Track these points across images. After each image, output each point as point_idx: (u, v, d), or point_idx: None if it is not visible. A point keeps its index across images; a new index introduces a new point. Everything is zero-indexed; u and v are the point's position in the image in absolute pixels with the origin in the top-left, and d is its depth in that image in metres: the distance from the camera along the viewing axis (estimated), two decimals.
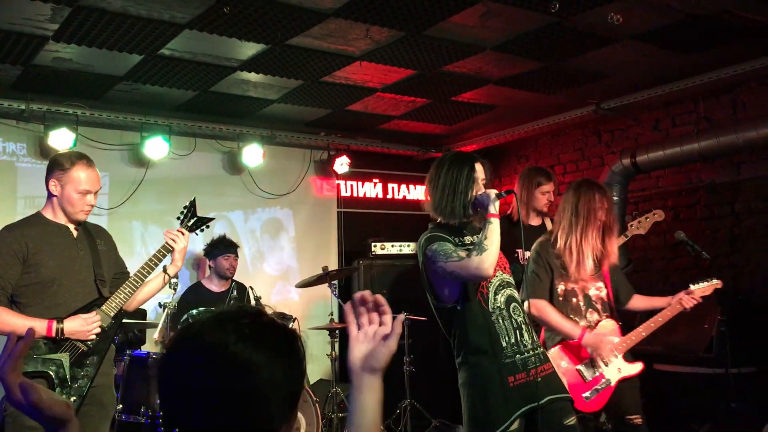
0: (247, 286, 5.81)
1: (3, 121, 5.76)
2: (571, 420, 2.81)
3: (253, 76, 5.31)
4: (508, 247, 4.20)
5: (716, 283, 3.86)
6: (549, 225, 4.46)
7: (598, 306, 3.68)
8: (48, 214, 3.21)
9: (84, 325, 3.06)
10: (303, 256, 7.05)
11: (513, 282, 2.98)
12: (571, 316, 3.61)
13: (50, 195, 3.20)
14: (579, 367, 3.60)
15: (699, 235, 5.60)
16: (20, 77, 5.21)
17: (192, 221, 3.49)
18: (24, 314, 2.99)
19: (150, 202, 6.34)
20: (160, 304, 5.27)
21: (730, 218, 5.69)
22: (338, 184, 7.39)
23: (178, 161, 6.43)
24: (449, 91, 5.85)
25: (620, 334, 3.68)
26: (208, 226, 3.57)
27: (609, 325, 3.67)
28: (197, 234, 3.55)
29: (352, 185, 7.51)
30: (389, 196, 7.75)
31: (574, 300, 3.65)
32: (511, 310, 2.85)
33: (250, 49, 4.75)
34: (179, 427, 1.19)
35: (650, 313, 3.82)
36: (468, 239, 2.93)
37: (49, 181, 3.18)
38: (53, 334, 2.99)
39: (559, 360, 3.58)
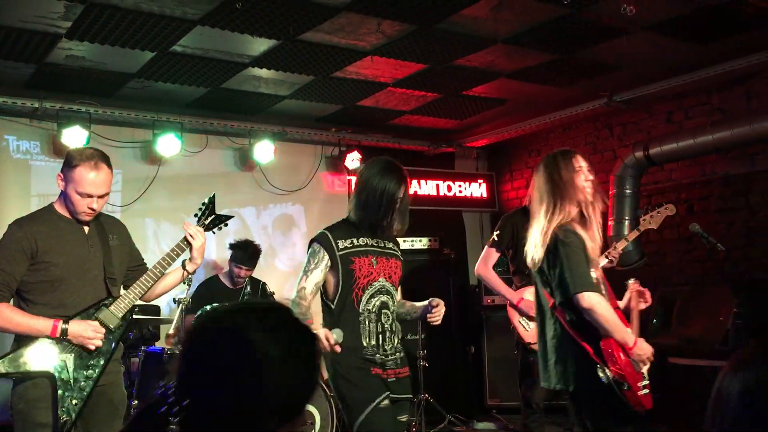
0: (261, 282, 5.81)
1: (16, 120, 5.79)
2: (404, 417, 3.21)
3: (264, 72, 5.32)
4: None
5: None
6: None
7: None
8: (59, 209, 3.09)
9: (89, 332, 2.96)
10: None
11: (393, 292, 3.22)
12: None
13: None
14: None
15: (713, 228, 5.55)
16: (33, 75, 5.24)
17: (209, 219, 3.37)
18: (30, 312, 2.93)
19: (162, 199, 6.35)
20: (174, 299, 5.28)
21: (745, 210, 5.64)
22: (349, 180, 7.36)
23: (190, 158, 6.45)
24: (460, 86, 5.84)
25: None
26: (226, 224, 3.45)
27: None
28: (214, 233, 3.43)
29: None
30: None
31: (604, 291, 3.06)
32: (381, 315, 3.13)
33: (261, 45, 4.76)
34: (190, 398, 1.22)
35: None
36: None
37: (58, 174, 3.07)
38: (57, 335, 2.92)
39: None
